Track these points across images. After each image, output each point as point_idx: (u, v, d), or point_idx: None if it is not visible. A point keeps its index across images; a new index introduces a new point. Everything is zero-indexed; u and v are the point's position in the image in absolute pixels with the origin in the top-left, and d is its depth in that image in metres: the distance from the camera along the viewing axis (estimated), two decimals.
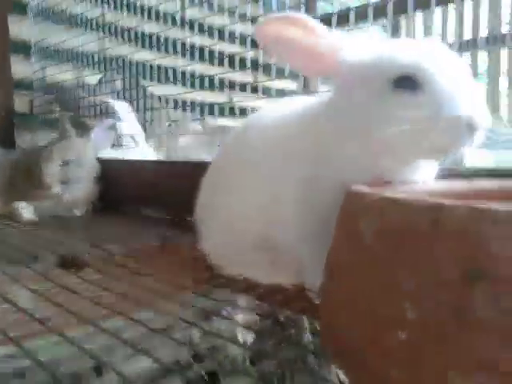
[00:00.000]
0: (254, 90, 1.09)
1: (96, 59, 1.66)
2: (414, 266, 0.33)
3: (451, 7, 3.62)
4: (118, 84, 1.74)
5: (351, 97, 0.54)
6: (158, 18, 1.49)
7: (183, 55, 1.43)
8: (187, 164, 1.15)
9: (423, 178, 0.60)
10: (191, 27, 1.38)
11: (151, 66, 1.52)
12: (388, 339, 0.33)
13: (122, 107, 1.59)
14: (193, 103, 1.42)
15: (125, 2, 1.59)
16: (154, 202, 1.34)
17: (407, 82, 0.49)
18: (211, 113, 1.40)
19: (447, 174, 0.59)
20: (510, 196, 0.55)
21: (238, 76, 1.10)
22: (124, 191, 1.45)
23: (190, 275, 0.71)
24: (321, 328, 0.45)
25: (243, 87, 1.16)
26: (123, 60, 1.59)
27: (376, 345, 0.34)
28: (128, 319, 0.55)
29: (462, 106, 0.47)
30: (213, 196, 0.73)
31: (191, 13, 1.42)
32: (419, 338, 0.32)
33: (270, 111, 0.71)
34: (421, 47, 0.52)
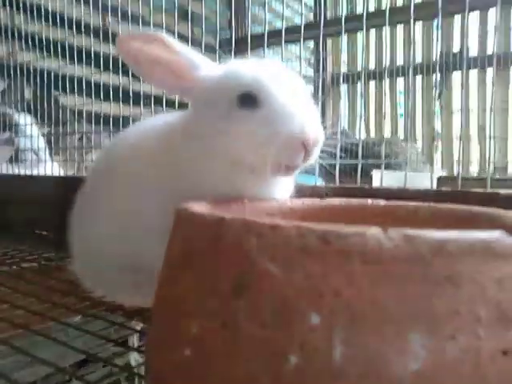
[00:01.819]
0: (173, 104, 1.07)
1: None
2: (198, 281, 0.33)
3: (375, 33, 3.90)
4: (27, 93, 1.66)
5: (201, 114, 0.55)
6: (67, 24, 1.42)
7: (97, 66, 1.38)
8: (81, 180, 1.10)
9: (282, 195, 0.62)
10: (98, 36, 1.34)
11: (63, 76, 1.45)
12: (177, 355, 0.33)
13: (24, 120, 1.51)
14: (107, 116, 1.36)
15: (34, 6, 1.51)
16: (46, 220, 1.27)
17: (249, 99, 0.51)
18: (126, 127, 1.35)
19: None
20: (352, 214, 0.59)
21: (157, 90, 1.08)
22: (15, 209, 1.36)
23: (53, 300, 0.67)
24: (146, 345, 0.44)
25: (160, 100, 1.14)
26: (36, 68, 1.51)
27: (169, 361, 0.34)
28: None
29: (296, 123, 0.50)
30: (80, 214, 0.71)
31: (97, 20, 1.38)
32: (199, 353, 0.32)
33: (138, 126, 0.71)
34: (263, 67, 0.54)
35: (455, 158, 3.08)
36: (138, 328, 0.67)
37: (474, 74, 3.49)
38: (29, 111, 1.62)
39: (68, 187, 1.20)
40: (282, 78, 0.53)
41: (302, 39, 0.97)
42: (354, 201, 0.59)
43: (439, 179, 1.97)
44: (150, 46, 0.56)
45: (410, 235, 0.27)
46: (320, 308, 0.27)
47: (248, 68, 0.54)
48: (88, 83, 1.32)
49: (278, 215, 0.56)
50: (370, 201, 0.59)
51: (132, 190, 0.60)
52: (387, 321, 0.26)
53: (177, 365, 0.33)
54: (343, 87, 3.77)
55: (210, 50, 1.04)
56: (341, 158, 0.84)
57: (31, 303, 0.66)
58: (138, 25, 1.20)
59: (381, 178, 0.77)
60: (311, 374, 0.26)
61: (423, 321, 0.26)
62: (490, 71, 3.40)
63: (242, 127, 0.51)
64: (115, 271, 0.63)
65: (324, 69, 3.41)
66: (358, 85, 3.74)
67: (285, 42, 0.99)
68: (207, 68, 0.58)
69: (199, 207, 0.43)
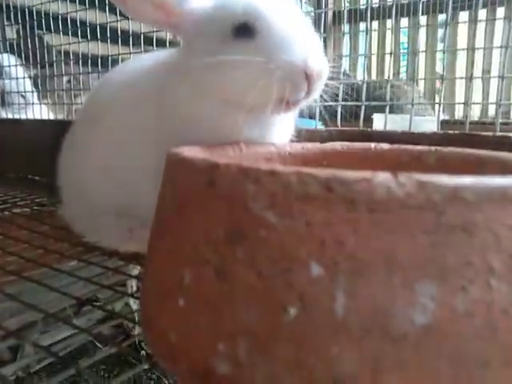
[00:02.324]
0: (164, 42, 0.99)
1: None
2: (191, 229, 0.31)
3: None
4: (10, 33, 1.56)
5: (193, 48, 0.51)
6: None
7: (82, 3, 1.28)
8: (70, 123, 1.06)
9: (280, 139, 0.59)
10: None
11: (49, 14, 1.35)
12: (170, 305, 0.32)
13: (8, 60, 1.42)
14: (95, 57, 1.28)
15: None
16: (38, 164, 1.24)
17: (246, 29, 0.47)
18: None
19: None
20: (353, 157, 0.56)
21: (148, 28, 1.00)
22: (5, 155, 1.32)
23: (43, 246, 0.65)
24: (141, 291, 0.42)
25: (150, 40, 1.06)
26: (17, 5, 1.41)
27: (161, 310, 0.33)
28: None
29: (296, 52, 0.45)
30: (69, 159, 0.68)
31: None
32: (192, 303, 0.30)
33: (126, 66, 0.66)
34: None
35: (457, 100, 2.99)
36: (135, 273, 0.66)
37: (483, 12, 3.31)
38: (12, 52, 1.53)
39: (59, 131, 1.16)
40: (279, 6, 0.48)
41: None
42: (357, 145, 0.56)
43: (441, 123, 1.92)
44: None
45: (423, 181, 0.25)
46: (321, 257, 0.25)
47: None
48: (73, 21, 1.24)
49: (276, 160, 0.54)
50: (373, 145, 0.56)
51: (124, 132, 0.57)
52: (394, 271, 0.25)
53: (171, 315, 0.31)
54: (345, 27, 3.58)
55: None
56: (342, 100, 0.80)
57: (24, 249, 0.64)
58: None
59: (385, 122, 0.73)
60: (311, 327, 0.25)
61: (433, 271, 0.25)
62: (500, 10, 3.22)
63: (238, 58, 0.47)
64: (110, 216, 0.61)
65: (325, 5, 3.22)
66: (361, 24, 3.56)
67: None
68: (196, 0, 0.52)
69: (191, 152, 0.40)
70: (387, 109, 0.75)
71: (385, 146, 0.55)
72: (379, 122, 1.59)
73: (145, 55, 0.68)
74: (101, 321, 0.67)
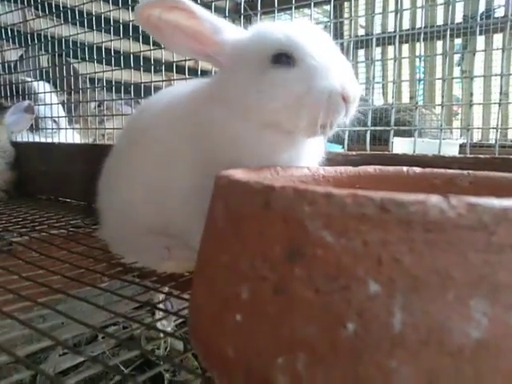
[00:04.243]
0: (195, 71, 1.04)
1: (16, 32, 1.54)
2: (247, 247, 0.33)
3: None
4: (43, 61, 1.64)
5: (232, 76, 0.54)
6: None
7: (114, 33, 1.34)
8: (102, 147, 1.10)
9: (310, 162, 0.61)
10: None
11: (79, 43, 1.42)
12: (227, 321, 0.33)
13: (42, 87, 1.50)
14: (125, 84, 1.33)
15: None
16: (70, 187, 1.28)
17: (284, 58, 0.50)
18: (147, 95, 1.32)
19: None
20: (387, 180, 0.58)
21: (176, 56, 1.05)
22: (38, 176, 1.37)
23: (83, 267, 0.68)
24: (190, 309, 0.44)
25: (182, 68, 1.11)
26: (49, 35, 1.49)
27: (217, 325, 0.35)
28: None
29: (334, 78, 0.49)
30: (109, 181, 0.71)
31: None
32: (250, 318, 0.32)
33: (164, 94, 0.70)
34: (294, 26, 0.53)
35: (475, 124, 3.00)
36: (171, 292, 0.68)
37: (498, 37, 3.34)
38: (45, 79, 1.61)
39: (88, 155, 1.21)
40: (314, 35, 0.52)
41: (312, 2, 0.92)
42: (389, 168, 0.58)
43: (461, 146, 1.93)
44: (170, 12, 0.55)
45: (473, 203, 0.27)
46: (378, 275, 0.27)
47: (279, 28, 0.53)
48: (107, 50, 1.30)
49: (310, 183, 0.56)
50: (405, 168, 0.57)
51: (162, 154, 0.60)
52: (448, 287, 0.26)
53: (227, 330, 0.33)
54: (361, 52, 3.65)
55: (219, 13, 1.00)
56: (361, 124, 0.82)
57: (65, 268, 0.67)
58: None
59: (414, 146, 0.75)
60: (370, 342, 0.26)
61: (485, 289, 0.26)
62: None
63: (278, 85, 0.50)
64: (148, 236, 0.64)
65: (341, 33, 3.30)
66: (377, 49, 3.62)
67: (296, 6, 0.95)
68: (230, 31, 0.56)
69: (240, 174, 0.43)
70: (416, 133, 0.77)
71: (417, 169, 0.57)
72: (400, 145, 1.60)
73: (181, 83, 0.72)
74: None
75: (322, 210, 0.29)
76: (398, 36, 0.86)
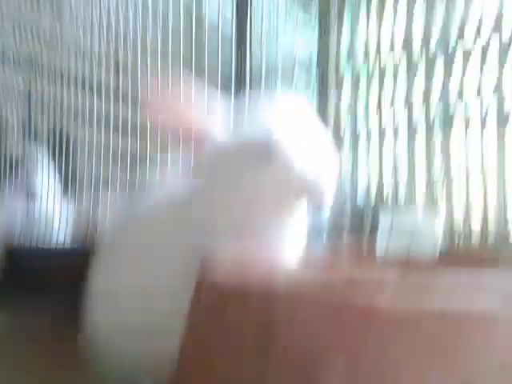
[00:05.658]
0: None
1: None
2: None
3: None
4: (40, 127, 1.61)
5: (218, 171, 0.58)
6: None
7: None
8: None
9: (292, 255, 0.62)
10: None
11: (78, 110, 1.40)
12: None
13: (40, 157, 1.49)
14: (124, 153, 1.30)
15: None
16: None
17: (265, 155, 0.55)
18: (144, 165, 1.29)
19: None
20: None
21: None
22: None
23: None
24: None
25: None
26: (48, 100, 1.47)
27: None
28: None
29: (307, 171, 0.52)
30: (97, 278, 0.69)
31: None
32: None
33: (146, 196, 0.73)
34: (277, 115, 0.56)
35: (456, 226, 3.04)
36: None
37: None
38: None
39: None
40: (296, 123, 0.56)
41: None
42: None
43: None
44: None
45: None
46: None
47: (260, 122, 0.57)
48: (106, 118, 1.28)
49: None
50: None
51: (155, 261, 0.61)
52: None
53: None
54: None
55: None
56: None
57: None
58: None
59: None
60: None
61: None
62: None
63: (259, 179, 0.54)
64: (138, 343, 0.61)
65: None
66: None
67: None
68: (216, 130, 0.60)
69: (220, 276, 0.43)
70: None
71: None
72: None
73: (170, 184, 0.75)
74: None
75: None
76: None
